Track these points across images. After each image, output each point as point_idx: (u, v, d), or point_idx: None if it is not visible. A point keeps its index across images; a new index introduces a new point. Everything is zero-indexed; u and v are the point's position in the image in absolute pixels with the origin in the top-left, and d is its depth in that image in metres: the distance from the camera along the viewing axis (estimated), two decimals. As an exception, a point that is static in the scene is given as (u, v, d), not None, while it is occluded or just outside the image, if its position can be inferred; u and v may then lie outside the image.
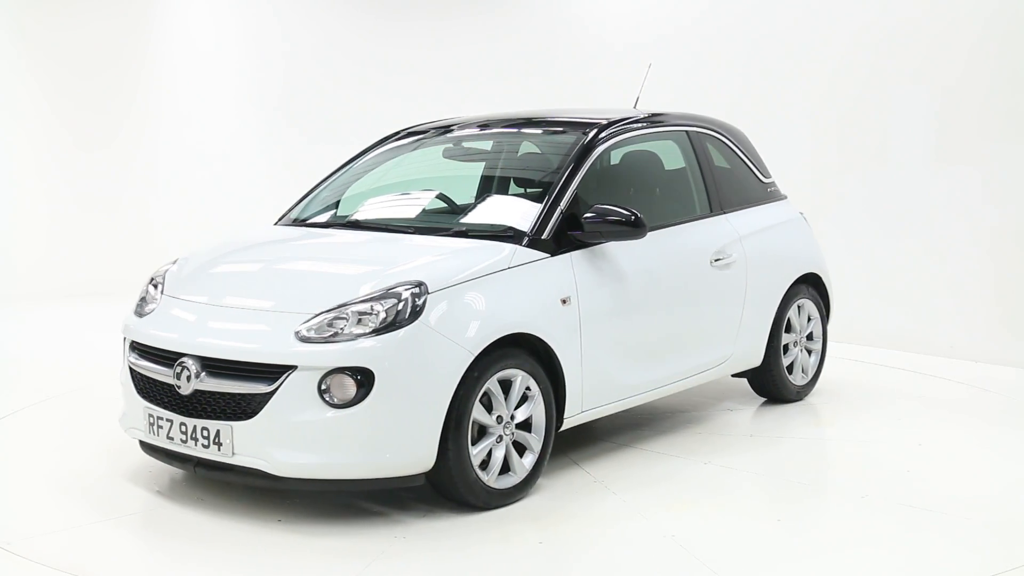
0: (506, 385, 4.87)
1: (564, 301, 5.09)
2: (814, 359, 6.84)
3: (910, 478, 5.25)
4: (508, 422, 4.86)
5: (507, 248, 5.03)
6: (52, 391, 7.04)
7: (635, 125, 5.93)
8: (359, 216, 5.69)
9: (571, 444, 5.79)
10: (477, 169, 6.11)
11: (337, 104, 11.56)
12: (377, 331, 4.52)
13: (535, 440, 4.99)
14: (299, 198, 6.10)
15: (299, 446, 4.48)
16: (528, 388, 4.94)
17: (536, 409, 4.98)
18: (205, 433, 4.61)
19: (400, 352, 4.51)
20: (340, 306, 4.61)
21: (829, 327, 6.99)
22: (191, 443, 4.67)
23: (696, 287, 5.86)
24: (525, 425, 4.98)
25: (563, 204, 5.26)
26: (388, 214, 5.71)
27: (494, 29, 10.91)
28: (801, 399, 6.74)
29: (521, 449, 4.97)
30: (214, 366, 4.62)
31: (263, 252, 5.36)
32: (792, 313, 6.59)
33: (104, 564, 4.26)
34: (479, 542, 4.48)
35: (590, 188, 5.56)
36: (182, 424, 4.70)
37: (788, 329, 6.60)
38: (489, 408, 4.80)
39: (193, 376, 4.64)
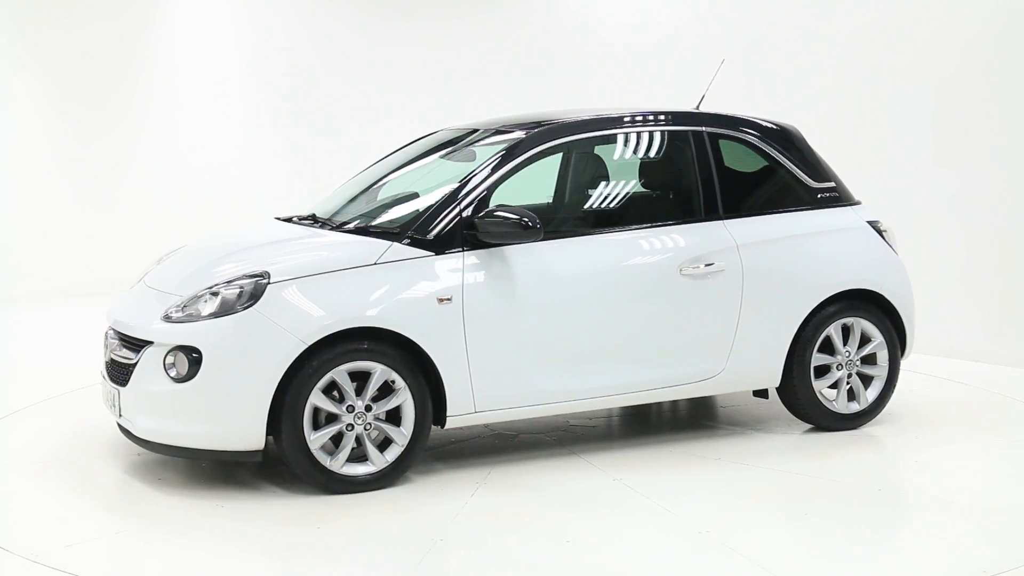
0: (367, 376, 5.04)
1: (442, 300, 5.14)
2: (875, 387, 6.09)
3: (905, 482, 5.35)
4: (361, 412, 5.03)
5: (382, 245, 5.18)
6: (52, 391, 7.00)
7: (589, 127, 5.74)
8: (319, 213, 6.00)
9: (517, 448, 5.78)
10: (463, 170, 6.16)
11: (338, 102, 11.52)
12: (215, 315, 4.94)
13: (400, 434, 5.11)
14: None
15: (151, 413, 5.04)
16: (393, 382, 5.07)
17: (404, 404, 5.09)
18: (110, 395, 5.30)
19: (228, 335, 4.90)
20: (202, 291, 5.07)
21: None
22: (108, 404, 5.38)
23: (652, 295, 5.54)
24: (395, 418, 5.12)
25: (463, 204, 5.29)
26: (333, 211, 5.95)
27: (495, 28, 10.76)
28: (853, 428, 6.06)
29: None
30: (123, 338, 5.28)
31: (217, 244, 5.82)
32: (832, 332, 5.94)
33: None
34: (271, 518, 4.76)
35: (532, 188, 5.54)
36: (105, 387, 5.42)
37: (829, 350, 5.96)
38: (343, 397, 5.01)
39: (110, 345, 5.35)
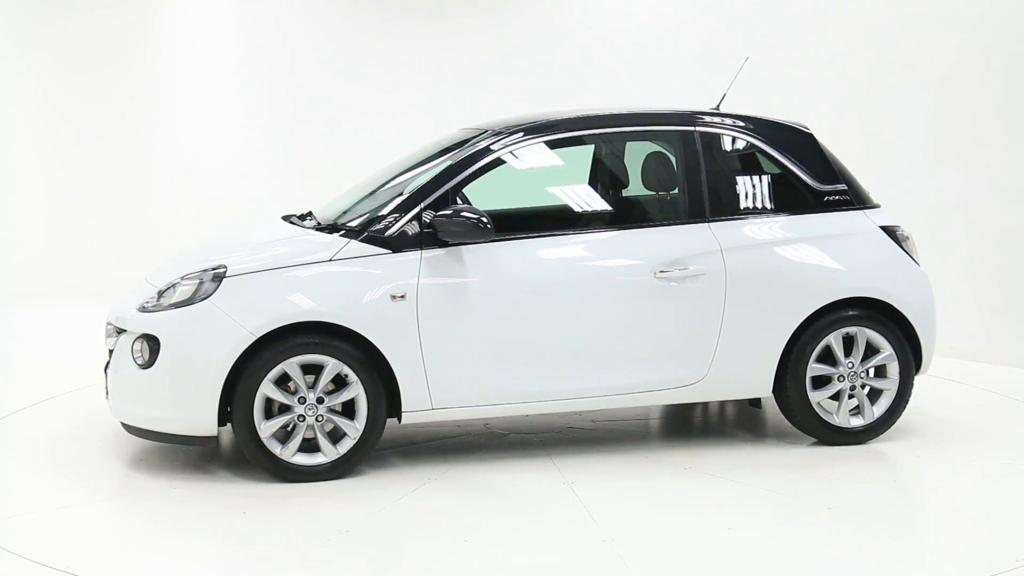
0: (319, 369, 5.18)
1: (395, 297, 5.21)
2: (883, 401, 5.77)
3: (903, 481, 5.36)
4: (312, 404, 5.17)
5: (339, 242, 5.30)
6: (52, 391, 7.03)
7: (566, 127, 5.67)
8: (326, 213, 6.13)
9: (494, 447, 5.81)
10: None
11: (338, 100, 11.36)
12: (175, 305, 5.20)
13: (352, 427, 5.22)
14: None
15: (124, 397, 5.34)
16: (346, 375, 5.19)
17: (358, 398, 5.20)
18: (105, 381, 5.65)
19: (183, 325, 5.14)
20: (172, 282, 5.34)
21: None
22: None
23: (622, 298, 5.42)
24: (351, 411, 5.24)
25: (424, 203, 5.34)
26: (334, 210, 6.05)
27: (498, 27, 10.71)
28: (859, 443, 5.76)
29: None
30: (116, 327, 5.61)
31: (216, 243, 6.00)
32: (833, 341, 5.67)
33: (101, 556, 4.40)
34: (209, 501, 4.99)
35: (501, 190, 5.56)
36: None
37: (830, 360, 5.70)
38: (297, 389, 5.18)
39: (107, 332, 5.69)
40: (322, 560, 4.29)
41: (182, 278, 5.28)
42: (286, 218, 6.04)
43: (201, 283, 5.20)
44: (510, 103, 8.88)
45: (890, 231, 5.85)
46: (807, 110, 7.86)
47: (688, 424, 6.37)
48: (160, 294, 5.32)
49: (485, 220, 5.19)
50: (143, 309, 5.31)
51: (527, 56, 10.70)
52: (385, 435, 5.69)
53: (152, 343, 5.17)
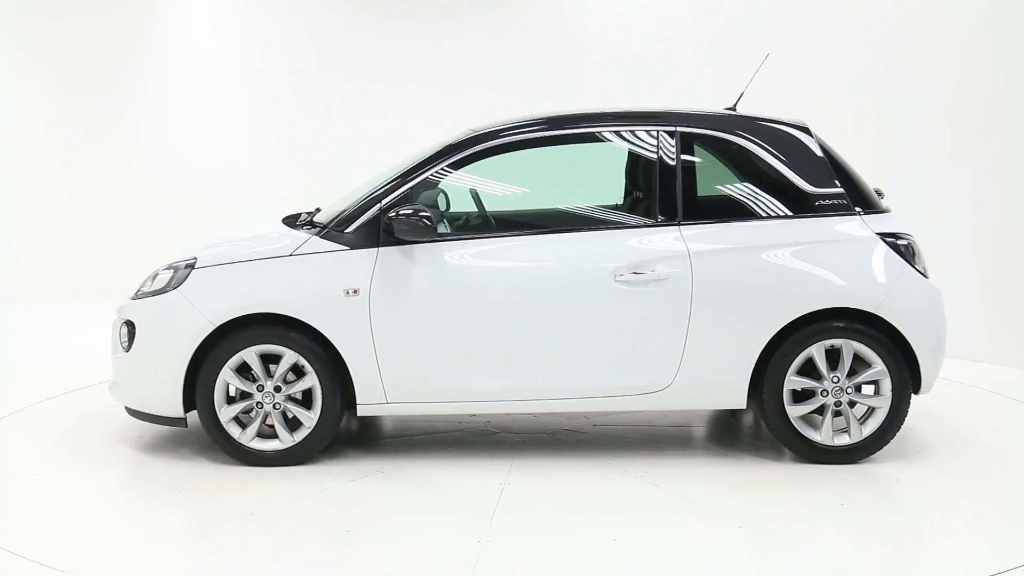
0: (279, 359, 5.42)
1: (350, 292, 5.35)
2: (875, 419, 5.40)
3: (902, 481, 5.26)
4: (270, 392, 5.41)
5: (301, 238, 5.49)
6: (53, 391, 7.08)
7: (535, 127, 5.60)
8: (326, 213, 6.30)
9: (468, 443, 5.84)
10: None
11: (339, 100, 11.13)
12: (152, 293, 5.56)
13: (307, 416, 5.42)
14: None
15: (117, 378, 5.76)
16: (303, 366, 5.39)
17: (314, 388, 5.39)
18: (116, 363, 6.10)
19: (154, 312, 5.50)
20: (154, 273, 5.72)
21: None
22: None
23: (578, 300, 5.31)
24: (309, 401, 5.44)
25: (384, 202, 5.44)
26: (329, 211, 6.20)
27: (497, 26, 10.54)
28: (849, 463, 5.42)
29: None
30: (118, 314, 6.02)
31: (214, 239, 6.27)
32: (815, 353, 5.35)
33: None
34: (158, 478, 5.32)
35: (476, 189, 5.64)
36: None
37: (814, 374, 5.40)
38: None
39: None
40: (202, 539, 4.51)
41: (164, 268, 5.63)
42: (288, 219, 6.28)
43: (175, 273, 5.53)
44: (514, 102, 8.82)
45: (891, 238, 5.45)
46: (810, 111, 7.43)
47: (683, 434, 6.15)
48: (152, 282, 5.68)
49: (430, 220, 5.24)
50: (135, 296, 5.70)
51: (531, 55, 10.56)
52: (381, 429, 5.84)
53: (131, 328, 5.54)
